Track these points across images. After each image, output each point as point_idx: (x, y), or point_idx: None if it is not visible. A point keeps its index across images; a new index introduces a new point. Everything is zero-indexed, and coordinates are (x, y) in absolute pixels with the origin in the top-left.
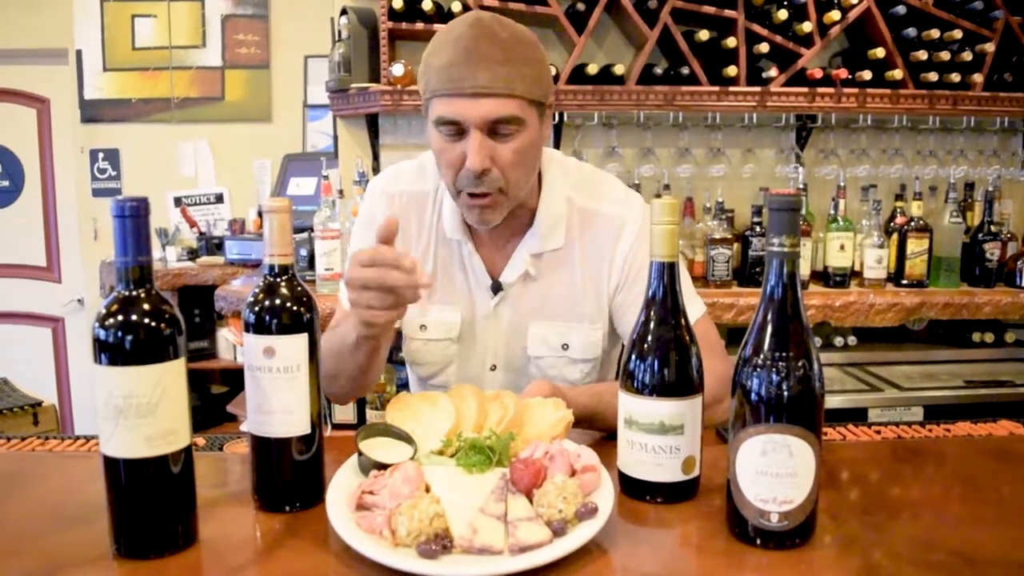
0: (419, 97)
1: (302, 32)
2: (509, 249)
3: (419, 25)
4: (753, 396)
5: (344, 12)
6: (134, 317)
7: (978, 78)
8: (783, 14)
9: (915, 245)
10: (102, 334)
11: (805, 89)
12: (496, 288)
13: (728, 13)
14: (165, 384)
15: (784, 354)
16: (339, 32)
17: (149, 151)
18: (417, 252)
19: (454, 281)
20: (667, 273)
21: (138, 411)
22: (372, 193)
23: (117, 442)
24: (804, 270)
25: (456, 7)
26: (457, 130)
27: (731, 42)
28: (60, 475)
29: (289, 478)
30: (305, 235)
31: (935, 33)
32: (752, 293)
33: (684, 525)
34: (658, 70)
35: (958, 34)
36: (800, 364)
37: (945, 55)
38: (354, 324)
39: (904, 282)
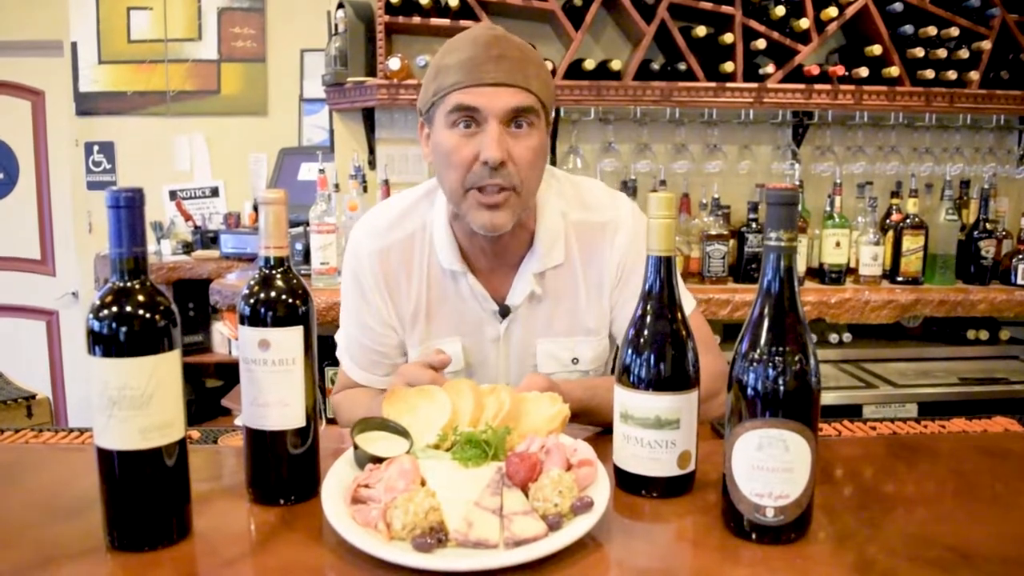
0: (415, 91)
1: (298, 26)
2: (511, 272)
3: (416, 19)
4: (749, 390)
5: (341, 6)
6: (128, 308)
7: (974, 75)
8: (780, 10)
9: (911, 242)
10: (96, 325)
11: (802, 86)
12: (504, 312)
13: (725, 9)
14: (159, 376)
15: (780, 348)
16: (336, 26)
17: (144, 144)
18: (409, 297)
19: (453, 313)
20: (664, 267)
21: (132, 403)
22: (357, 255)
23: (111, 434)
24: (800, 267)
25: (453, 1)
26: (474, 123)
27: (728, 38)
28: (54, 467)
29: (284, 471)
30: (300, 229)
31: (932, 30)
32: (747, 289)
33: (679, 520)
34: (655, 66)
35: (955, 31)
36: (796, 359)
37: (942, 52)
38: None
39: (899, 279)
